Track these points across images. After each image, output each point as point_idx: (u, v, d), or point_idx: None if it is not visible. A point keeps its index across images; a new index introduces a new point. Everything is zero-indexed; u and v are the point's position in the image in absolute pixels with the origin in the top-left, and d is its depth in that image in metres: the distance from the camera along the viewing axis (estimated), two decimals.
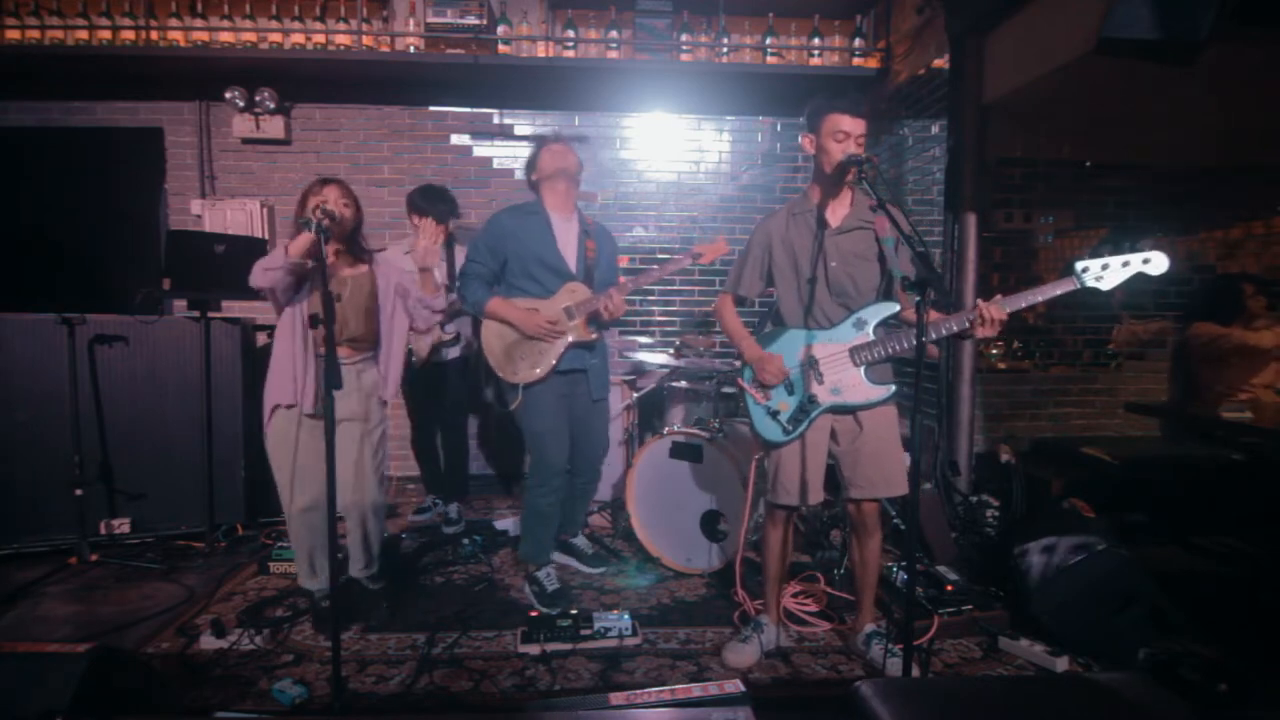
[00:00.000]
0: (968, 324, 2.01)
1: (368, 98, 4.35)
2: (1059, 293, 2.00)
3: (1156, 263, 1.96)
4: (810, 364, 2.22)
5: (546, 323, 2.67)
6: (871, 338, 2.18)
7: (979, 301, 2.00)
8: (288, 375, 2.38)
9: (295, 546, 2.53)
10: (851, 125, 2.12)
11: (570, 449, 2.84)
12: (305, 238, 2.20)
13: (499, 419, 4.46)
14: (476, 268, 2.74)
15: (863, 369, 2.19)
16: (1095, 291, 1.98)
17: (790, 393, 2.26)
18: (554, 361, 2.71)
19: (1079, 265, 1.98)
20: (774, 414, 2.27)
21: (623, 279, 2.80)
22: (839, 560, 2.90)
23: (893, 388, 2.21)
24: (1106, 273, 1.97)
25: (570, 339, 2.71)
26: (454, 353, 3.57)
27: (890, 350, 2.15)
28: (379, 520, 2.59)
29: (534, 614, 2.54)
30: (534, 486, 2.77)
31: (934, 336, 2.08)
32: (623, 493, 3.20)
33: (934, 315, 2.14)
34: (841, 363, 2.20)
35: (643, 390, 3.90)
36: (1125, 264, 1.97)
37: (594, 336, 2.76)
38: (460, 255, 3.50)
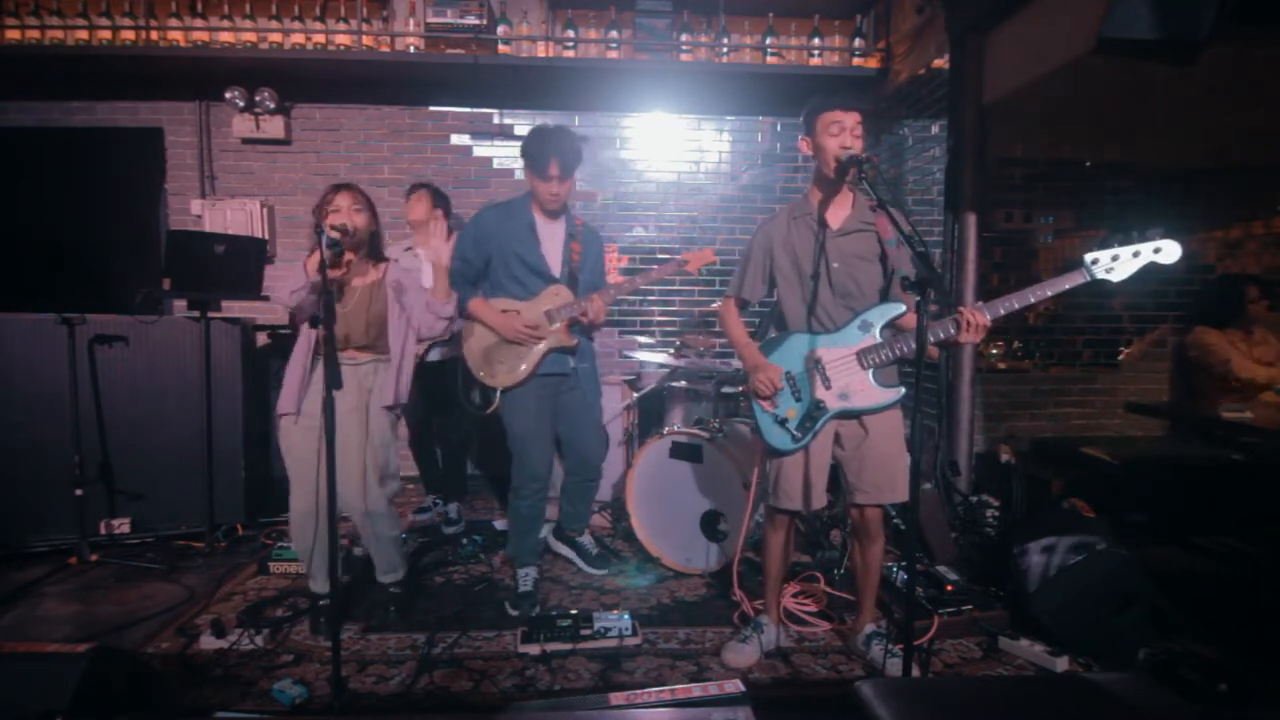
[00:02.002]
0: (952, 330, 1.98)
1: (368, 98, 4.36)
2: (1068, 286, 1.96)
3: (1168, 251, 1.91)
4: (817, 369, 2.19)
5: (525, 327, 2.62)
6: (878, 340, 2.15)
7: (960, 308, 1.94)
8: (293, 386, 2.40)
9: (298, 549, 2.50)
10: (844, 117, 2.10)
11: (567, 452, 2.85)
12: (316, 255, 2.16)
13: (486, 420, 4.43)
14: (460, 266, 2.66)
15: (870, 372, 2.16)
16: (1104, 284, 1.94)
17: (797, 399, 2.22)
18: (532, 366, 2.66)
19: (1088, 257, 1.94)
20: (781, 422, 2.23)
21: (610, 284, 2.75)
22: (839, 560, 2.90)
23: (901, 390, 2.18)
24: (1117, 264, 1.93)
25: (549, 344, 2.67)
26: (452, 351, 3.57)
27: (898, 352, 2.11)
28: (385, 525, 2.52)
29: (534, 614, 2.54)
30: (515, 489, 2.74)
31: (929, 340, 2.06)
32: (623, 493, 3.19)
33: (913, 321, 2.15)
34: (849, 367, 2.17)
35: (643, 390, 3.90)
36: (1136, 254, 1.92)
37: (574, 341, 2.71)
38: None
